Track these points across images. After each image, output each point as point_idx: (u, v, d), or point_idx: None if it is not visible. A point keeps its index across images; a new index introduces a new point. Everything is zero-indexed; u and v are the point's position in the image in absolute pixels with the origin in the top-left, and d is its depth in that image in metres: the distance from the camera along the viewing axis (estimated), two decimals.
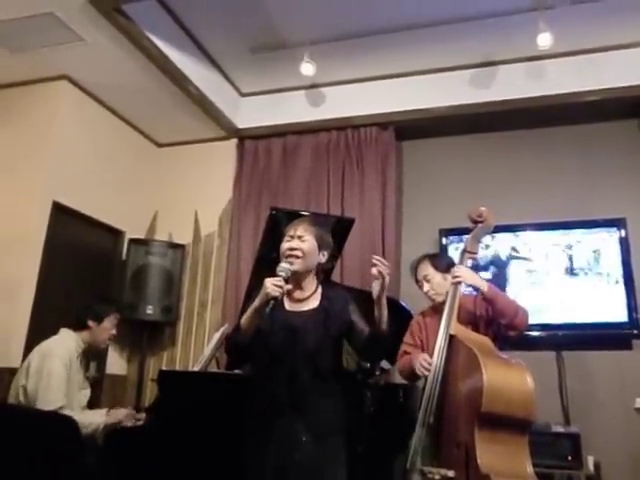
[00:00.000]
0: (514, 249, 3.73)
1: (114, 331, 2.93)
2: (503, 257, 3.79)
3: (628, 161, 3.85)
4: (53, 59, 3.64)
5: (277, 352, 1.97)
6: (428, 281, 2.56)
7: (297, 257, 2.02)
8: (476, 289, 2.49)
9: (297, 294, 2.08)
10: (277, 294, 1.90)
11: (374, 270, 1.91)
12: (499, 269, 3.78)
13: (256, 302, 1.96)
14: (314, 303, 2.06)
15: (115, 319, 2.93)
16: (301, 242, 2.05)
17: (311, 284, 2.10)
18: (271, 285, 1.90)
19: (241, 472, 1.96)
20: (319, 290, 2.10)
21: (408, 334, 2.68)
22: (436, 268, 2.57)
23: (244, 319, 2.01)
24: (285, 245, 2.06)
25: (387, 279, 1.91)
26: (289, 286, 1.98)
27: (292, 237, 2.07)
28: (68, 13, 3.19)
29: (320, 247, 2.08)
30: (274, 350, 1.98)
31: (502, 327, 2.42)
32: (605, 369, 3.54)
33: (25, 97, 3.86)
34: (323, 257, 2.10)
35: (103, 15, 3.15)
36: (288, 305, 2.07)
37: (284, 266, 1.98)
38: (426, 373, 2.30)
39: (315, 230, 2.09)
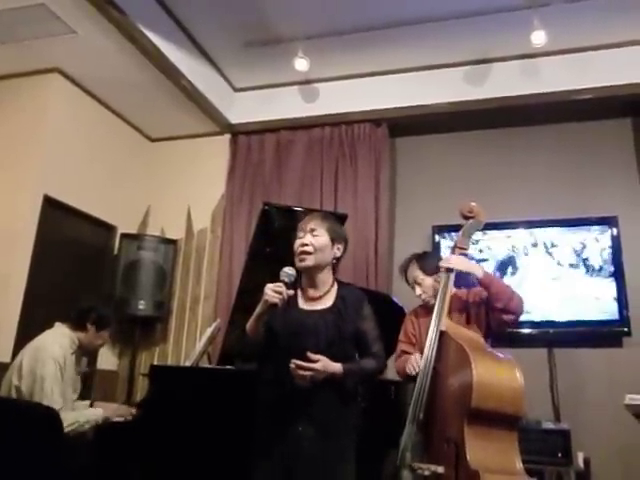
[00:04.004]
0: None
1: (107, 340, 2.91)
2: (498, 254, 3.80)
3: (621, 160, 3.87)
4: (44, 51, 3.61)
5: (287, 351, 1.92)
6: (419, 284, 2.55)
7: (308, 253, 1.98)
8: (463, 282, 2.48)
9: (311, 292, 2.04)
10: (276, 301, 1.87)
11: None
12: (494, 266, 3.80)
13: (258, 308, 1.93)
14: (328, 302, 2.02)
15: (112, 330, 2.90)
16: (313, 237, 2.01)
17: (326, 281, 2.05)
18: (271, 292, 1.87)
19: (235, 466, 1.95)
20: (334, 288, 2.05)
21: (402, 332, 2.68)
22: (425, 271, 2.54)
23: (249, 324, 1.99)
24: (297, 242, 2.02)
25: (320, 372, 1.86)
26: (291, 291, 1.94)
27: (304, 231, 2.03)
28: (60, 5, 3.16)
29: (334, 241, 2.04)
30: (284, 349, 1.93)
31: (497, 312, 2.40)
32: (596, 366, 3.56)
33: (16, 90, 3.83)
34: (338, 251, 2.06)
35: (95, 7, 3.12)
36: (302, 303, 2.03)
37: (287, 271, 1.94)
38: (414, 371, 2.29)
39: (327, 224, 2.05)
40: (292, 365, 1.84)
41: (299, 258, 1.99)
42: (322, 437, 1.88)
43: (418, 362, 2.29)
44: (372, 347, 2.03)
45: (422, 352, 2.34)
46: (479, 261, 3.76)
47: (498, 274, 3.73)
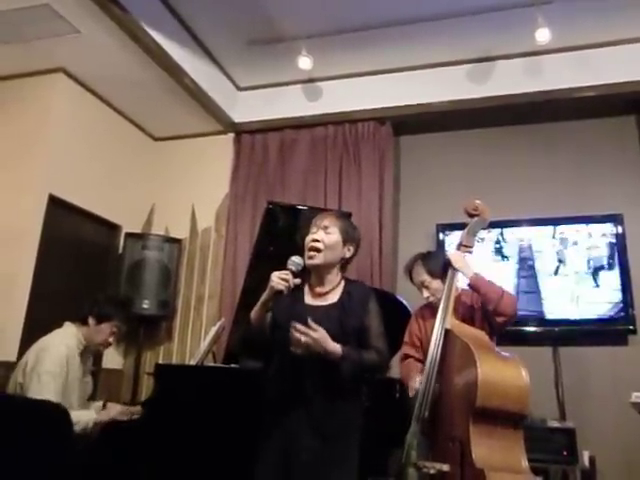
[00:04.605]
0: None
1: (111, 339, 2.78)
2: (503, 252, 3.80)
3: (625, 157, 3.85)
4: (48, 51, 3.62)
5: (288, 346, 1.92)
6: (427, 287, 2.55)
7: (318, 250, 1.99)
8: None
9: (318, 289, 2.05)
10: (282, 288, 1.88)
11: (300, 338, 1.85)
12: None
13: (263, 296, 1.95)
14: (334, 298, 2.02)
15: (115, 327, 2.76)
16: (325, 234, 2.02)
17: (333, 280, 2.06)
18: (276, 279, 1.89)
19: (240, 465, 1.95)
20: (341, 285, 2.06)
21: (407, 334, 2.68)
22: (432, 274, 2.53)
23: (253, 312, 2.00)
24: (309, 237, 2.03)
25: (317, 341, 1.85)
26: (297, 280, 1.95)
27: (317, 227, 2.04)
28: (63, 4, 3.16)
29: (345, 241, 2.05)
30: (287, 344, 1.93)
31: (489, 314, 2.40)
32: (601, 364, 3.55)
33: (20, 90, 3.84)
34: (348, 252, 2.07)
35: (98, 6, 3.12)
36: (308, 299, 2.04)
37: (295, 260, 1.95)
38: (411, 393, 2.35)
39: (341, 223, 2.06)
40: (292, 329, 1.84)
41: (308, 255, 2.00)
42: (322, 434, 1.87)
43: (416, 386, 2.32)
44: (374, 342, 2.00)
45: (426, 354, 2.34)
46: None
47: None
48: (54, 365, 2.53)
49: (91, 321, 2.72)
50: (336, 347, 1.88)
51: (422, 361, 2.52)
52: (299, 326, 1.85)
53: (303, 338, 1.84)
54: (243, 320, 2.12)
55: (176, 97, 4.06)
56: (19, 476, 2.09)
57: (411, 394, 2.39)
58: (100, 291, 3.94)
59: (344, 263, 2.09)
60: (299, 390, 1.90)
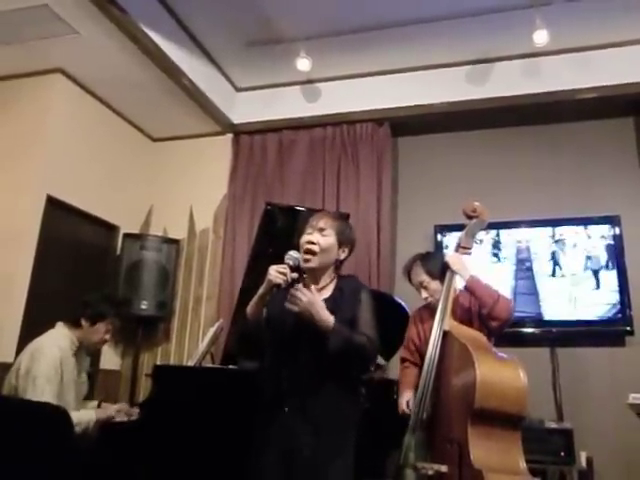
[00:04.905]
0: None
1: (107, 337, 2.76)
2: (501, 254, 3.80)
3: (623, 159, 3.86)
4: (47, 52, 3.62)
5: (283, 341, 1.94)
6: (425, 288, 2.55)
7: (313, 253, 1.99)
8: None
9: (312, 286, 2.04)
10: (280, 281, 1.88)
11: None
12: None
13: (260, 290, 1.95)
14: (326, 294, 2.03)
15: (110, 324, 2.74)
16: (321, 236, 2.01)
17: (327, 278, 2.07)
18: (274, 272, 1.89)
19: (238, 466, 1.95)
20: (334, 281, 2.07)
21: (406, 337, 2.68)
22: (431, 275, 2.53)
23: (250, 307, 2.00)
24: (305, 237, 2.03)
25: (312, 304, 1.87)
26: (295, 274, 1.94)
27: (313, 228, 2.03)
28: (62, 5, 3.16)
29: (341, 243, 2.04)
30: (281, 339, 1.94)
31: (484, 318, 2.40)
32: (598, 365, 3.56)
33: (19, 90, 3.84)
34: (343, 253, 2.06)
35: (97, 7, 3.12)
36: None
37: (292, 254, 1.95)
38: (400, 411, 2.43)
39: (337, 225, 2.06)
40: (292, 289, 1.89)
41: (304, 258, 2.00)
42: (318, 430, 1.86)
43: (403, 407, 2.40)
44: (365, 329, 1.96)
45: (424, 356, 2.35)
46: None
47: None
48: (48, 368, 2.51)
49: (84, 323, 2.69)
50: (329, 317, 1.88)
51: (418, 365, 2.53)
52: (299, 286, 1.88)
53: (299, 294, 1.86)
54: (241, 323, 2.12)
55: (174, 98, 4.06)
56: (19, 478, 2.08)
57: (399, 411, 2.42)
58: (94, 292, 3.94)
59: (338, 264, 2.09)
60: (294, 385, 1.90)
